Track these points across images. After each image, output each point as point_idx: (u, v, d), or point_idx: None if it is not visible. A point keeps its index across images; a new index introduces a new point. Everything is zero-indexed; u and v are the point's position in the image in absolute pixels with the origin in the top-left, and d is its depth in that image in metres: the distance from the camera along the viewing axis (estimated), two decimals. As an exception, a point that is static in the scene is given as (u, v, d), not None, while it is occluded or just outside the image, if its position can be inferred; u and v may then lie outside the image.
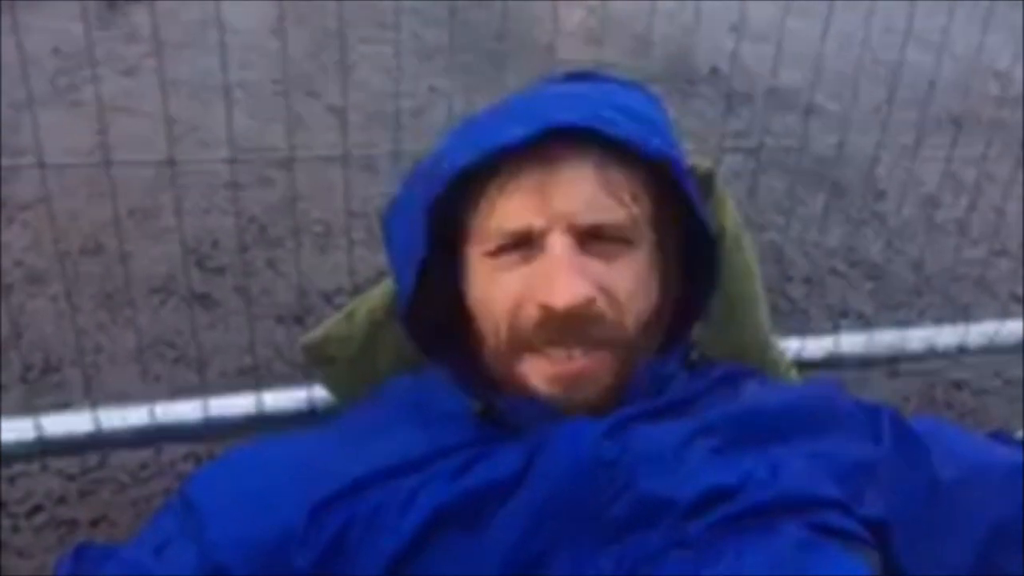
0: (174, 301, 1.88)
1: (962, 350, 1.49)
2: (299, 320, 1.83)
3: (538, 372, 0.77)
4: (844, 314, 2.01)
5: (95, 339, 1.76)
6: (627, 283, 0.78)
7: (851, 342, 1.42)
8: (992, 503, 0.82)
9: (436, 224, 0.80)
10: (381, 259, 0.93)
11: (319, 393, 1.13)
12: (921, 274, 2.13)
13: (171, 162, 1.06)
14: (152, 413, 1.13)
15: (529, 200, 0.77)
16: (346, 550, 0.73)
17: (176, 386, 1.64)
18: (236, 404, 1.16)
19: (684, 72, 2.91)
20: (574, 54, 2.67)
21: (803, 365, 1.29)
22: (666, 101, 0.92)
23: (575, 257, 0.75)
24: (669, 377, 0.81)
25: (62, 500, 1.46)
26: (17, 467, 1.48)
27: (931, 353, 1.48)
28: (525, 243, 0.77)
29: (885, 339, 1.44)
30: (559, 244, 0.76)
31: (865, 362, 1.45)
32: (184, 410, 1.15)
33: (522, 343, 0.77)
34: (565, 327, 0.75)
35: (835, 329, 1.46)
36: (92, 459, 1.50)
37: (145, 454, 1.51)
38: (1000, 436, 0.94)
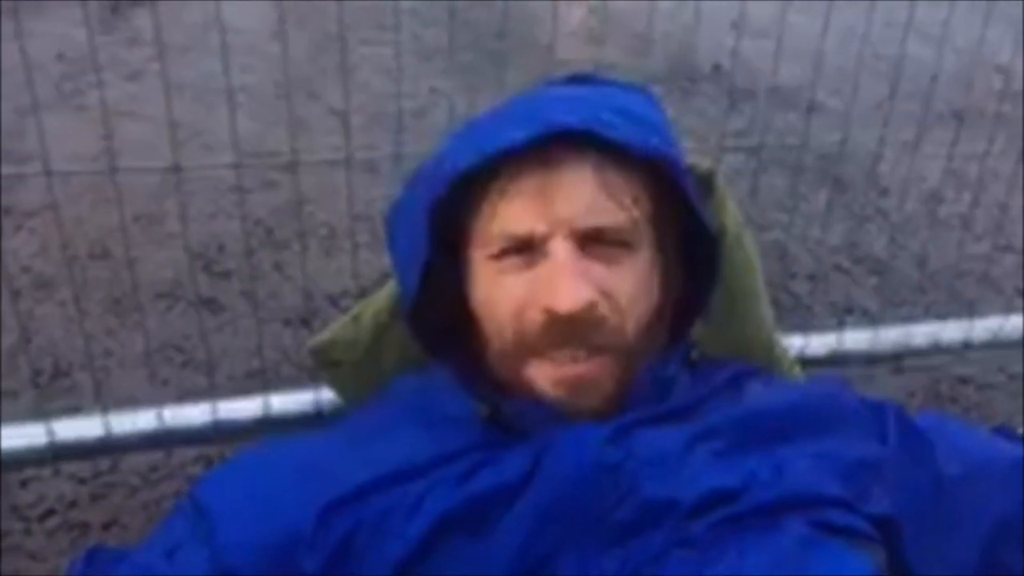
0: (181, 305, 1.89)
1: (966, 346, 1.49)
2: (305, 323, 1.84)
3: (543, 376, 0.78)
4: (848, 311, 2.01)
5: (104, 344, 1.77)
6: (628, 286, 0.78)
7: (855, 339, 1.42)
8: (996, 498, 0.82)
9: (438, 227, 0.81)
10: (385, 261, 0.93)
11: (326, 395, 1.14)
12: (925, 270, 2.13)
13: (176, 168, 1.07)
14: (161, 417, 1.14)
15: (530, 204, 0.77)
16: (353, 554, 0.74)
17: (184, 389, 1.65)
18: (244, 407, 1.17)
19: (685, 70, 2.91)
20: (575, 53, 2.67)
21: (807, 362, 1.30)
22: (667, 100, 0.92)
23: (577, 262, 0.76)
24: (671, 379, 0.82)
25: (74, 504, 1.47)
26: (29, 471, 1.49)
27: (935, 349, 1.48)
28: (527, 247, 0.78)
29: (889, 335, 1.45)
30: (561, 249, 0.76)
31: (869, 358, 1.45)
32: (193, 413, 1.16)
33: (527, 347, 0.78)
34: (568, 331, 0.76)
35: (839, 326, 1.47)
36: (103, 463, 1.51)
37: (155, 457, 1.52)
38: (1004, 431, 0.94)
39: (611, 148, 0.78)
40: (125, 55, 2.77)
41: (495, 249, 0.79)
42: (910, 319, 1.58)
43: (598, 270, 0.77)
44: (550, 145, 0.77)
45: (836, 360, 1.40)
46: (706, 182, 0.97)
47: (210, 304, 1.89)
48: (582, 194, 0.78)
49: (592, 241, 0.78)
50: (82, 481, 1.50)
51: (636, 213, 0.80)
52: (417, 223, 0.81)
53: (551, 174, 0.78)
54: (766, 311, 1.04)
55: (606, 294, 0.77)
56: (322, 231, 2.12)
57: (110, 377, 1.70)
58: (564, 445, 0.75)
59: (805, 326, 1.42)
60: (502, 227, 0.79)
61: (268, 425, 1.16)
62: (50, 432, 1.12)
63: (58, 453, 1.14)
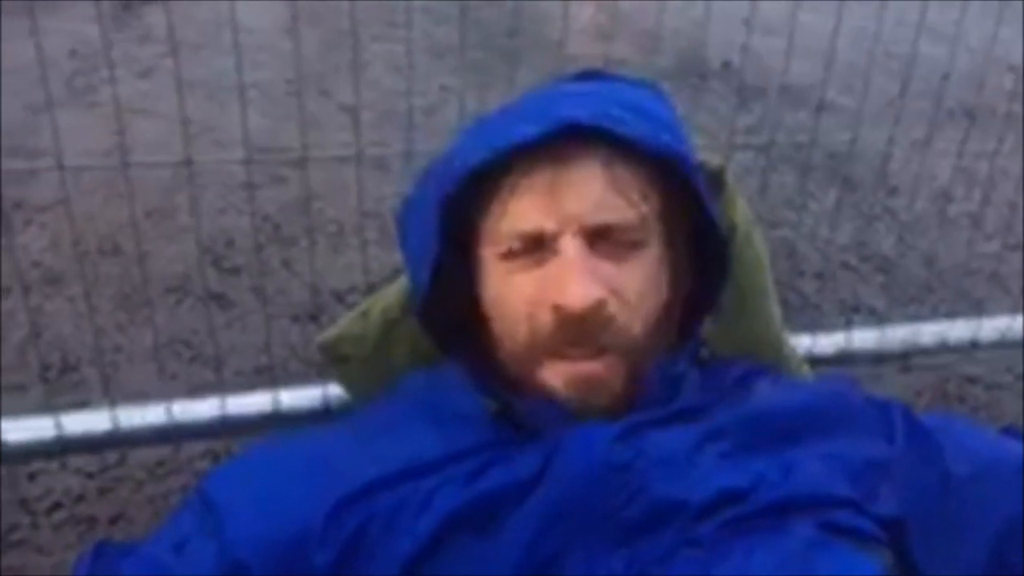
0: (190, 301, 1.89)
1: (974, 345, 1.49)
2: (313, 319, 1.84)
3: (554, 375, 0.78)
4: (856, 309, 2.01)
5: (113, 339, 1.78)
6: (637, 284, 0.78)
7: (863, 337, 1.42)
8: (1004, 499, 0.82)
9: (449, 224, 0.81)
10: (394, 258, 0.94)
11: (334, 391, 1.14)
12: (934, 269, 2.13)
13: (188, 163, 1.07)
14: (170, 411, 1.15)
15: (540, 201, 0.77)
16: (363, 549, 0.74)
17: (193, 385, 1.65)
18: (253, 402, 1.18)
19: (695, 67, 2.90)
20: (585, 50, 2.67)
21: (815, 361, 1.29)
22: (677, 96, 0.92)
23: (586, 259, 0.76)
24: (680, 377, 0.82)
25: (81, 498, 1.48)
26: (37, 464, 1.50)
27: (943, 348, 1.48)
28: (537, 245, 0.78)
29: (897, 334, 1.44)
30: (571, 247, 0.76)
31: (877, 357, 1.45)
32: (201, 408, 1.17)
33: (537, 345, 0.78)
34: (578, 329, 0.76)
35: (847, 324, 1.46)
36: (111, 457, 1.52)
37: (163, 451, 1.53)
38: (1012, 431, 0.94)
39: (621, 144, 0.78)
40: (137, 52, 2.78)
41: (505, 248, 0.79)
42: (918, 318, 1.57)
43: (607, 267, 0.77)
44: (560, 141, 0.77)
45: (844, 359, 1.40)
46: (716, 179, 0.97)
47: (219, 299, 1.90)
48: (591, 191, 0.78)
49: (601, 238, 0.78)
50: (89, 475, 1.51)
51: (645, 210, 0.80)
52: (428, 220, 0.81)
53: (561, 171, 0.78)
54: (775, 309, 1.04)
55: (615, 292, 0.77)
56: (330, 227, 2.13)
57: (119, 372, 1.71)
58: (573, 444, 0.75)
59: (813, 325, 1.42)
60: (512, 225, 0.79)
61: (276, 420, 1.17)
62: (58, 426, 1.12)
63: (66, 447, 1.15)
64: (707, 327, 0.90)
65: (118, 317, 1.84)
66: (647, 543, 0.71)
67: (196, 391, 1.18)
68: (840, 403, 0.84)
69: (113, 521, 1.45)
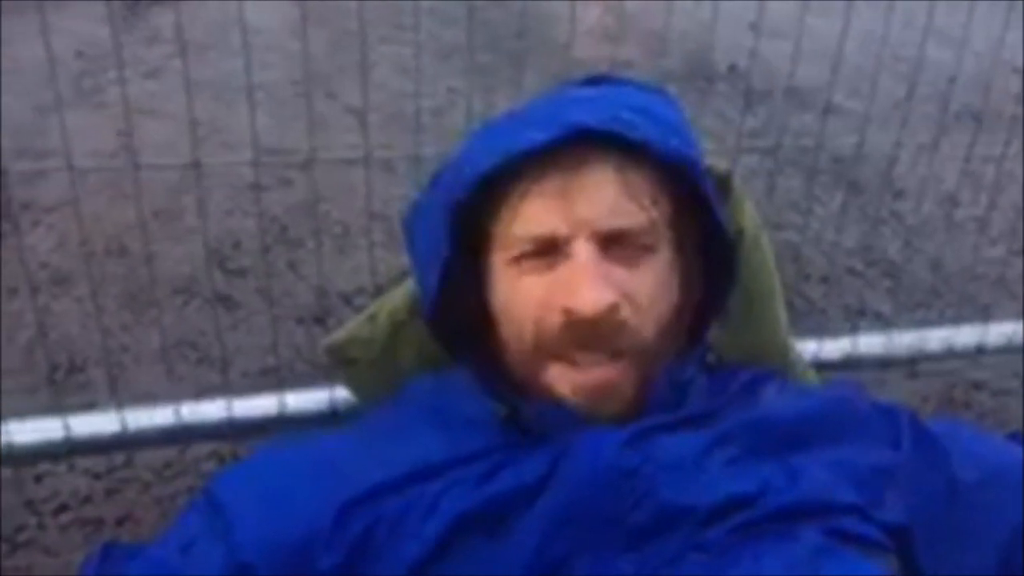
0: (197, 302, 1.90)
1: (981, 350, 1.49)
2: (319, 321, 1.84)
3: (563, 380, 0.78)
4: (862, 314, 2.00)
5: (119, 339, 1.78)
6: (648, 288, 0.79)
7: (869, 343, 1.42)
8: (1011, 505, 0.82)
9: (458, 229, 0.81)
10: (401, 260, 0.94)
11: (341, 394, 1.15)
12: (940, 274, 2.12)
13: (196, 165, 1.08)
14: (177, 413, 1.15)
15: (552, 206, 0.78)
16: (370, 553, 0.74)
17: (199, 386, 1.65)
18: (260, 405, 1.18)
19: (702, 70, 2.90)
20: (591, 52, 2.67)
21: (821, 366, 1.29)
22: (684, 99, 0.92)
23: (599, 264, 0.76)
24: (688, 382, 0.82)
25: (88, 499, 1.48)
26: (43, 466, 1.50)
27: (950, 353, 1.48)
28: (548, 249, 0.78)
29: (903, 340, 1.44)
30: (584, 251, 0.76)
31: (883, 363, 1.44)
32: (209, 410, 1.17)
33: (546, 349, 0.78)
34: (589, 334, 0.76)
35: (853, 329, 1.46)
36: (117, 458, 1.52)
37: (169, 453, 1.53)
38: (1019, 437, 0.94)
39: (632, 149, 0.78)
40: (143, 53, 2.78)
41: (516, 252, 0.80)
42: (924, 323, 1.57)
43: (619, 272, 0.77)
44: (570, 146, 0.77)
45: (850, 364, 1.40)
46: (723, 183, 0.97)
47: (225, 301, 1.90)
48: (604, 196, 0.78)
49: (613, 243, 0.78)
50: (96, 476, 1.51)
51: (656, 215, 0.80)
52: (436, 225, 0.81)
53: (573, 175, 0.78)
54: (782, 313, 1.04)
55: (627, 296, 0.77)
56: (336, 229, 2.13)
57: (125, 373, 1.71)
58: (582, 448, 0.75)
59: (819, 330, 1.42)
60: (523, 228, 0.79)
61: (283, 423, 1.17)
62: (66, 427, 1.13)
63: (74, 448, 1.15)
64: (714, 332, 0.90)
65: (125, 318, 1.84)
66: (655, 548, 0.71)
67: (202, 392, 1.18)
68: (846, 409, 0.84)
69: (120, 522, 1.45)
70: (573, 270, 0.76)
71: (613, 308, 0.75)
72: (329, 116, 2.47)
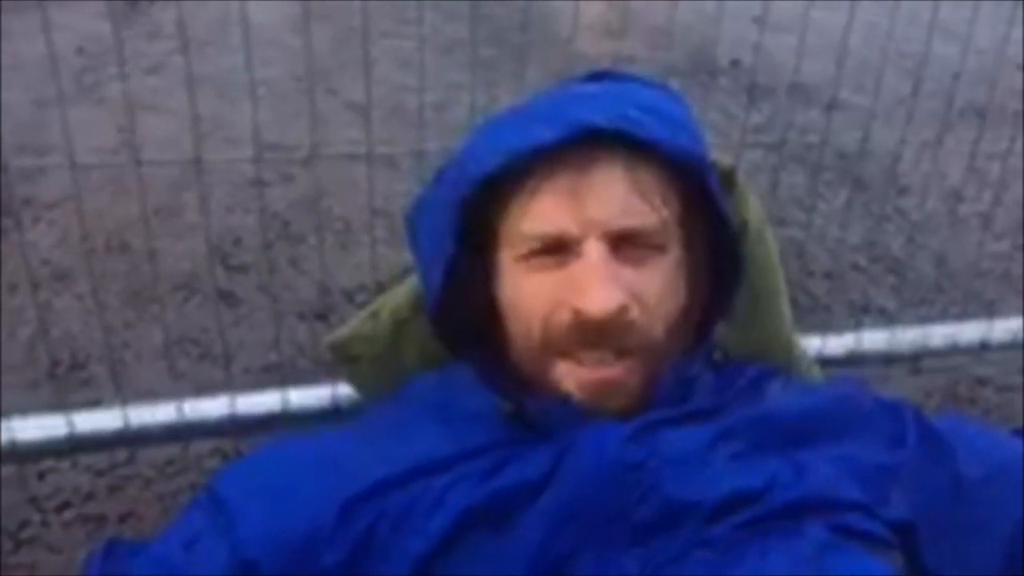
0: (198, 298, 1.89)
1: (985, 346, 1.48)
2: (322, 317, 1.84)
3: (570, 378, 0.78)
4: (866, 310, 2.00)
5: (121, 336, 1.78)
6: (657, 288, 0.78)
7: (873, 339, 1.41)
8: (1016, 501, 0.82)
9: (463, 226, 0.81)
10: (404, 256, 0.93)
11: (343, 391, 1.14)
12: (944, 269, 2.12)
13: (198, 161, 1.07)
14: (180, 410, 1.15)
15: (562, 204, 0.77)
16: (374, 548, 0.74)
17: (201, 382, 1.65)
18: (262, 401, 1.18)
19: (705, 65, 2.89)
20: (594, 47, 2.67)
21: (825, 362, 1.29)
22: (687, 94, 0.92)
23: (609, 264, 0.76)
24: (694, 379, 0.82)
25: (91, 496, 1.48)
26: (46, 462, 1.50)
27: (954, 349, 1.47)
28: (558, 248, 0.78)
29: (907, 336, 1.44)
30: (594, 251, 0.76)
31: (887, 359, 1.44)
32: (211, 407, 1.17)
33: (553, 347, 0.78)
34: (598, 334, 0.76)
35: (857, 326, 1.45)
36: (120, 455, 1.52)
37: (172, 450, 1.53)
38: (1023, 433, 0.94)
39: (640, 147, 0.78)
40: (144, 49, 2.78)
41: (524, 249, 0.79)
42: (928, 319, 1.57)
43: (628, 273, 0.77)
44: (578, 144, 0.77)
45: (854, 360, 1.39)
46: (727, 179, 0.96)
47: (227, 297, 1.90)
48: (614, 195, 0.77)
49: (623, 242, 0.77)
50: (99, 473, 1.51)
51: (665, 213, 0.80)
52: (441, 221, 0.81)
53: (582, 174, 0.77)
54: (786, 309, 1.04)
55: (636, 296, 0.77)
56: (338, 225, 2.13)
57: (127, 369, 1.71)
58: (587, 443, 0.74)
59: (823, 326, 1.42)
60: (533, 227, 0.79)
61: (286, 419, 1.16)
62: (69, 424, 1.13)
63: (77, 445, 1.15)
64: (719, 328, 0.90)
65: (126, 314, 1.84)
66: (660, 544, 0.71)
67: (204, 389, 1.18)
68: (851, 406, 0.84)
69: (123, 519, 1.46)
70: (583, 270, 0.76)
71: (622, 309, 0.75)
72: (330, 112, 2.47)
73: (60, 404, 1.15)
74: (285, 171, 2.24)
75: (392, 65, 2.71)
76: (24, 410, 1.15)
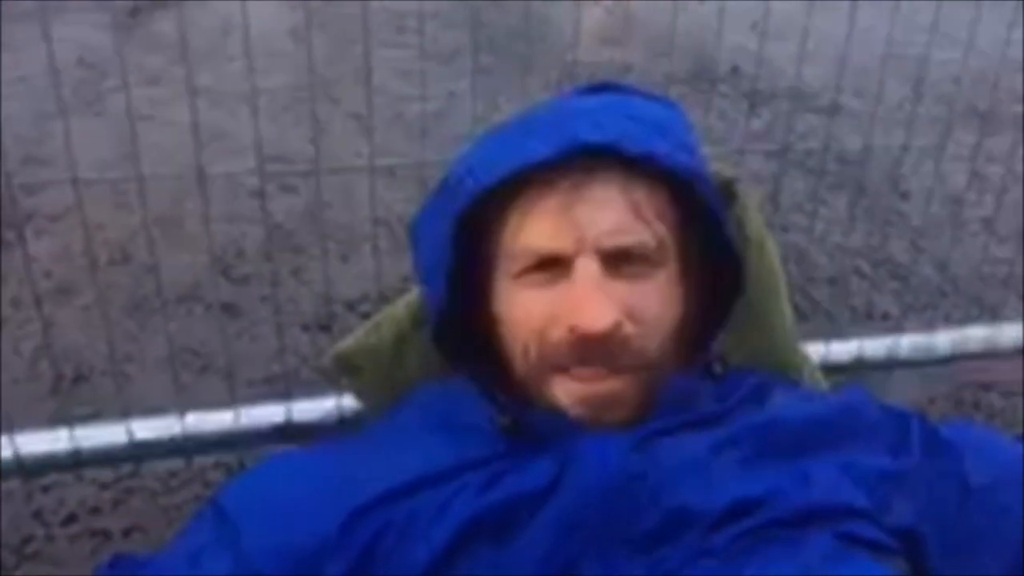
0: (200, 310, 1.89)
1: (990, 351, 1.48)
2: (325, 328, 1.84)
3: (566, 393, 0.78)
4: (869, 316, 2.00)
5: (124, 349, 1.78)
6: (653, 305, 0.78)
7: (876, 345, 1.41)
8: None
9: (462, 239, 0.81)
10: (406, 266, 0.93)
11: (347, 403, 1.14)
12: (947, 274, 2.12)
13: (200, 172, 1.07)
14: (184, 422, 1.15)
15: (557, 223, 0.77)
16: (377, 560, 0.74)
17: (204, 395, 1.65)
18: (266, 413, 1.17)
19: (705, 72, 2.90)
20: (594, 55, 2.67)
21: (828, 369, 1.29)
22: (687, 102, 0.92)
23: (603, 282, 0.76)
24: (693, 391, 0.81)
25: (96, 509, 1.48)
26: (51, 476, 1.50)
27: (958, 355, 1.47)
28: (552, 264, 0.78)
29: (911, 341, 1.43)
30: (588, 269, 0.76)
31: (891, 365, 1.44)
32: (215, 420, 1.16)
33: (550, 363, 0.78)
34: (592, 350, 0.75)
35: (860, 331, 1.45)
36: (124, 468, 1.52)
37: (176, 463, 1.52)
38: (1029, 439, 0.93)
39: (638, 163, 0.78)
40: (143, 60, 2.79)
41: (519, 265, 0.79)
42: (932, 324, 1.56)
43: (623, 289, 0.77)
44: (574, 160, 0.77)
45: (857, 366, 1.39)
46: (727, 190, 0.96)
47: (230, 309, 1.90)
48: (608, 214, 0.77)
49: (618, 260, 0.77)
50: (103, 486, 1.51)
51: (661, 229, 0.79)
52: (441, 234, 0.80)
53: (578, 191, 0.77)
54: (788, 319, 1.03)
55: (631, 313, 0.76)
56: (340, 235, 2.13)
57: (130, 382, 1.71)
58: (589, 453, 0.74)
59: (826, 332, 1.41)
60: (527, 244, 0.79)
61: (289, 432, 1.16)
62: (73, 438, 1.12)
63: (81, 459, 1.14)
64: (722, 338, 0.90)
65: (129, 327, 1.84)
66: (664, 552, 0.71)
67: (207, 402, 1.18)
68: (854, 414, 0.83)
69: (127, 533, 1.45)
70: (576, 288, 0.76)
71: (616, 326, 0.75)
72: (330, 121, 2.47)
73: (64, 418, 1.14)
74: (286, 182, 2.25)
75: (390, 74, 2.72)
76: (28, 424, 1.15)
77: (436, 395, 0.89)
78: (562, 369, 0.78)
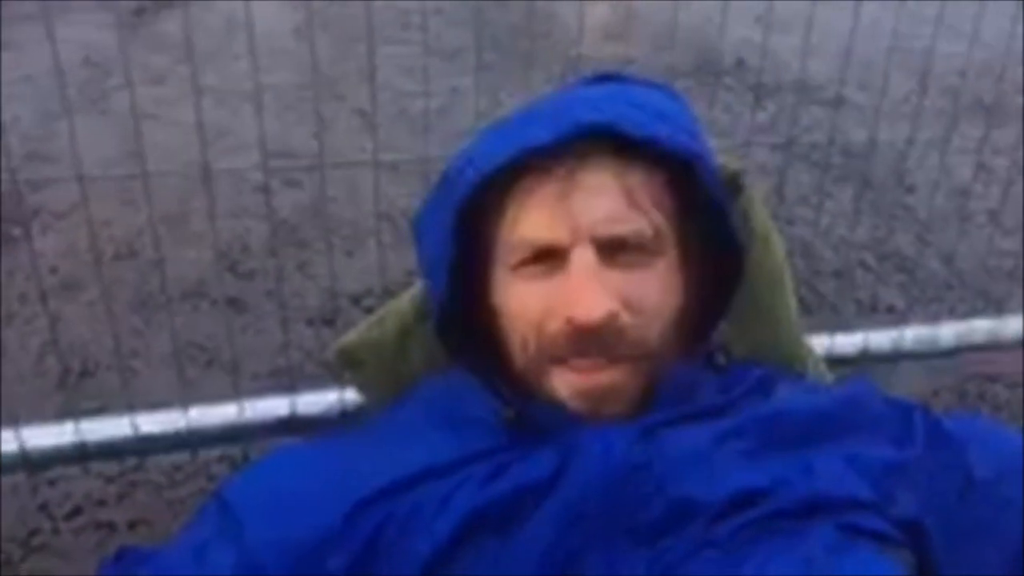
0: (206, 305, 1.90)
1: (995, 343, 1.47)
2: (329, 323, 1.84)
3: (565, 385, 0.78)
4: (874, 308, 1.99)
5: (130, 344, 1.79)
6: (650, 293, 0.78)
7: (881, 337, 1.41)
8: (1029, 499, 0.81)
9: (464, 230, 0.81)
10: (410, 260, 0.93)
11: (351, 396, 1.14)
12: (952, 267, 2.11)
13: (205, 169, 1.08)
14: (189, 416, 1.15)
15: (552, 212, 0.77)
16: (380, 552, 0.74)
17: (209, 389, 1.66)
18: (270, 407, 1.18)
19: (709, 65, 2.89)
20: (598, 50, 2.67)
21: (833, 361, 1.28)
22: (691, 95, 0.92)
23: (599, 271, 0.76)
24: (695, 381, 0.81)
25: (101, 503, 1.48)
26: (56, 469, 1.51)
27: (963, 347, 1.47)
28: (549, 255, 0.78)
29: (916, 333, 1.43)
30: (583, 259, 0.76)
31: (896, 357, 1.44)
32: (220, 413, 1.17)
33: (548, 354, 0.78)
34: (590, 341, 0.75)
35: (865, 324, 1.45)
36: (130, 461, 1.53)
37: (180, 456, 1.53)
38: (1034, 430, 0.93)
39: (636, 146, 0.78)
40: (148, 59, 2.79)
41: (517, 257, 0.79)
42: (937, 317, 1.56)
43: (620, 278, 0.77)
44: (574, 146, 0.77)
45: (862, 359, 1.39)
46: (734, 183, 0.96)
47: (235, 304, 1.90)
48: (604, 202, 0.77)
49: (614, 249, 0.77)
50: (109, 480, 1.51)
51: (659, 218, 0.79)
52: (443, 226, 0.80)
53: (574, 180, 0.77)
54: (793, 312, 1.03)
55: (628, 303, 0.76)
56: (345, 230, 2.13)
57: (136, 377, 1.72)
58: (592, 445, 0.74)
59: (831, 324, 1.41)
60: (523, 235, 0.78)
61: (293, 425, 1.17)
62: (78, 432, 1.13)
63: (86, 453, 1.15)
64: (725, 330, 0.90)
65: (135, 322, 1.85)
66: (668, 543, 0.71)
67: (212, 395, 1.19)
68: (859, 406, 0.83)
69: (132, 526, 1.46)
70: (573, 278, 0.76)
71: (612, 316, 0.75)
72: (335, 117, 2.48)
73: (70, 412, 1.15)
74: (291, 177, 2.25)
75: (394, 71, 2.72)
76: (34, 418, 1.16)
77: (439, 389, 0.89)
78: (561, 361, 0.77)
